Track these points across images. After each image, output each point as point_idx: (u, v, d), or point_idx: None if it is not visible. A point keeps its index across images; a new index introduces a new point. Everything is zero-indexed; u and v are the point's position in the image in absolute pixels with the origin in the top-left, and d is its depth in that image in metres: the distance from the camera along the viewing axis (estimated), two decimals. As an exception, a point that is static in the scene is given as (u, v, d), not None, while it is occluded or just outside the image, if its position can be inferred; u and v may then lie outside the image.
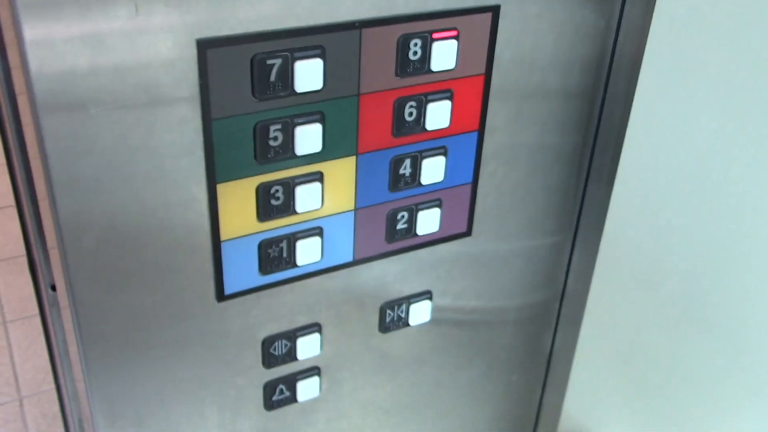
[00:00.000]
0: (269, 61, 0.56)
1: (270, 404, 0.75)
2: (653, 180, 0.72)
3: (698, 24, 0.63)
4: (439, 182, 0.70)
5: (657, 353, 0.79)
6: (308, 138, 0.61)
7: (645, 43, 0.67)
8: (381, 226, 0.70)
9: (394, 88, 0.63)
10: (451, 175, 0.70)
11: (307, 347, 0.72)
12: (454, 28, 0.62)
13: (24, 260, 1.97)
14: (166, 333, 0.65)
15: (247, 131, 0.58)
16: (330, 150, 0.63)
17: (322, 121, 0.61)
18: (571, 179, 0.78)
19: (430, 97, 0.64)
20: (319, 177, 0.63)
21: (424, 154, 0.67)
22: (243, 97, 0.57)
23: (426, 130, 0.66)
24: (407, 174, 0.68)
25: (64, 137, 0.52)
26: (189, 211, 0.60)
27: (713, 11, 0.62)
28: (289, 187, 0.63)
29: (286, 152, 0.61)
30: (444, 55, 0.63)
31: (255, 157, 0.60)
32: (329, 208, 0.66)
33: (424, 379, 0.84)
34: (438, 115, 0.66)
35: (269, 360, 0.71)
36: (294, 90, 0.58)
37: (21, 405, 1.62)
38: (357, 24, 0.58)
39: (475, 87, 0.66)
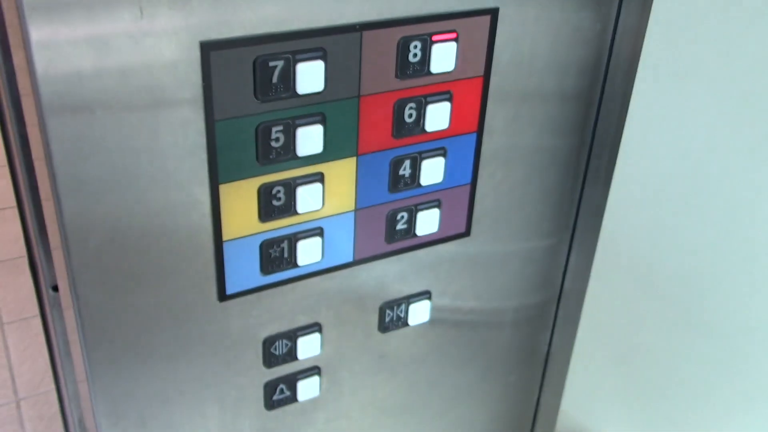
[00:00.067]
0: (271, 63, 0.57)
1: (270, 404, 0.75)
2: (650, 181, 0.72)
3: (694, 26, 0.64)
4: (438, 183, 0.70)
5: (653, 353, 0.80)
6: (309, 139, 0.61)
7: (641, 46, 0.68)
8: (381, 227, 0.70)
9: (394, 90, 0.63)
10: (450, 176, 0.71)
11: (308, 347, 0.73)
12: (454, 31, 0.63)
13: (20, 262, 1.97)
14: (168, 333, 0.65)
15: (249, 132, 0.59)
16: (331, 151, 0.63)
17: (323, 122, 0.61)
18: (568, 180, 0.79)
19: (429, 99, 0.65)
20: (319, 178, 0.64)
21: (423, 155, 0.68)
22: (245, 99, 0.57)
23: (425, 131, 0.67)
24: (407, 175, 0.68)
25: (70, 138, 0.53)
26: (192, 212, 0.60)
27: (709, 13, 0.63)
28: (291, 187, 0.63)
29: (288, 153, 0.61)
30: (443, 57, 0.63)
31: (257, 158, 0.60)
32: (330, 209, 0.66)
33: (422, 378, 0.84)
34: (437, 116, 0.66)
35: (270, 360, 0.72)
36: (296, 92, 0.59)
37: (18, 407, 1.62)
38: (358, 26, 0.59)
39: (474, 89, 0.67)
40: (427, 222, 0.72)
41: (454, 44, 0.63)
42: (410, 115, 0.65)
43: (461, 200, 0.73)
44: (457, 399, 0.89)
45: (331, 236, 0.68)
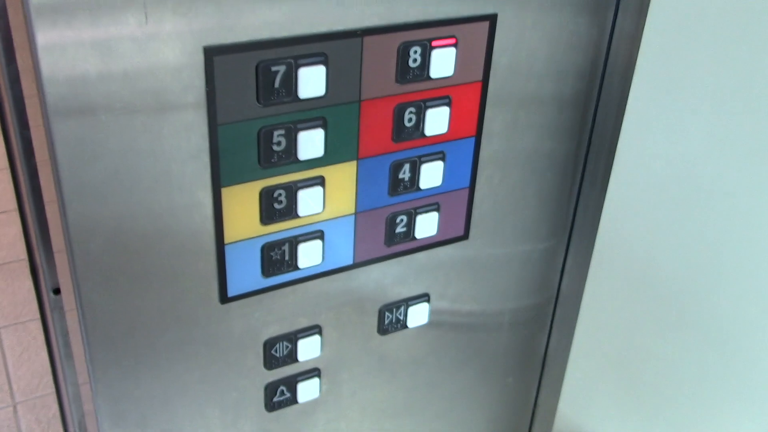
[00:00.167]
0: (274, 68, 0.57)
1: (271, 405, 0.76)
2: (646, 185, 0.73)
3: (690, 32, 0.65)
4: (437, 187, 0.71)
5: (650, 355, 0.80)
6: (310, 143, 0.62)
7: (637, 51, 0.68)
8: (380, 230, 0.71)
9: (394, 95, 0.64)
10: (449, 179, 0.71)
11: (308, 349, 0.74)
12: (453, 36, 0.64)
13: (16, 266, 1.97)
14: (170, 335, 0.66)
15: (251, 136, 0.60)
16: (331, 155, 0.64)
17: (324, 126, 0.62)
18: (565, 184, 0.79)
19: (429, 104, 0.66)
20: (320, 181, 0.65)
21: (422, 159, 0.69)
22: (248, 103, 0.58)
23: (425, 135, 0.67)
24: (406, 178, 0.69)
25: (74, 141, 0.53)
26: (194, 215, 0.61)
27: (705, 19, 0.63)
28: (292, 191, 0.64)
29: (289, 157, 0.62)
30: (443, 62, 0.64)
31: (259, 162, 0.61)
32: (330, 212, 0.67)
33: (421, 380, 0.85)
34: (436, 121, 0.67)
35: (270, 361, 0.72)
36: (297, 96, 0.59)
37: (15, 411, 1.62)
38: (359, 32, 0.60)
39: (472, 94, 0.68)
40: (426, 225, 0.73)
41: (453, 50, 0.64)
42: (410, 120, 0.66)
43: (460, 203, 0.74)
44: (456, 400, 0.90)
45: (332, 239, 0.68)
